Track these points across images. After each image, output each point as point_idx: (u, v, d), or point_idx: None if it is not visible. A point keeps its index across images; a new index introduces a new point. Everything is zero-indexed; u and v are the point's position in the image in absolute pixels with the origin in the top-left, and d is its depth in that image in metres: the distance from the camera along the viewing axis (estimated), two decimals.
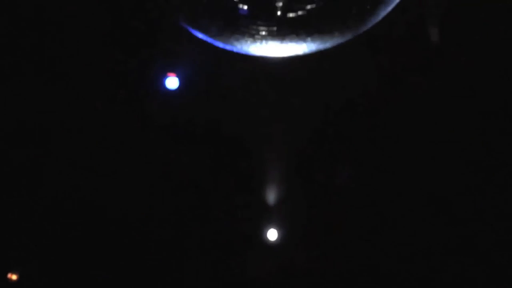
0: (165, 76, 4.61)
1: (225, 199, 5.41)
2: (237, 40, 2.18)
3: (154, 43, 4.37)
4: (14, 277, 5.10)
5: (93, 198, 5.15)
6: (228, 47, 2.28)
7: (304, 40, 2.19)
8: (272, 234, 5.52)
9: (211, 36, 2.26)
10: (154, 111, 4.85)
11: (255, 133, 4.90)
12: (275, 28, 2.07)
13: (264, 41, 2.15)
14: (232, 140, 4.97)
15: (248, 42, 2.17)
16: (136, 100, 4.83)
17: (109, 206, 5.20)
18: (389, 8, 2.22)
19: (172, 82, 4.59)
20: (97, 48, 4.50)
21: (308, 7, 2.01)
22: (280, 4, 1.95)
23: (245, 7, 1.99)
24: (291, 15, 2.01)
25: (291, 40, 2.15)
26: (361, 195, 5.16)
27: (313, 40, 2.21)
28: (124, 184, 5.16)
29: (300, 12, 2.01)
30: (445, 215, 4.96)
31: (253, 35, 2.11)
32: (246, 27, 2.07)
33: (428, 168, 4.86)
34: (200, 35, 2.32)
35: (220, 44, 2.30)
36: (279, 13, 1.97)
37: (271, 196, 5.54)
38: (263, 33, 2.09)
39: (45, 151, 4.95)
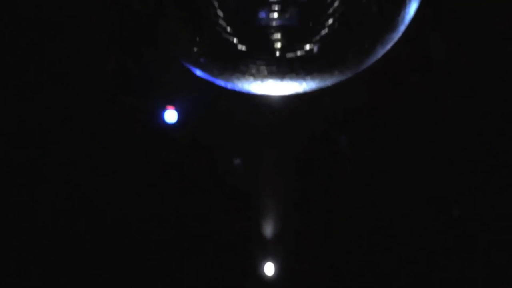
0: (163, 109, 4.61)
1: (221, 232, 5.38)
2: (237, 79, 2.19)
3: (153, 75, 4.39)
4: None
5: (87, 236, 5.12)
6: (228, 85, 2.29)
7: (304, 79, 2.20)
8: (269, 268, 5.48)
9: (210, 75, 2.27)
10: (152, 145, 4.84)
11: (254, 167, 4.89)
12: (274, 68, 2.08)
13: (264, 80, 2.16)
14: (230, 175, 4.96)
15: (248, 81, 2.18)
16: (134, 133, 4.82)
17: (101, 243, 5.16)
18: (388, 47, 2.23)
19: (170, 116, 4.60)
20: (96, 79, 4.52)
21: (307, 47, 2.01)
22: (279, 45, 1.96)
23: (243, 47, 2.01)
24: (290, 55, 2.02)
25: (291, 79, 2.16)
26: (359, 231, 5.13)
27: (312, 79, 2.22)
28: (120, 216, 5.14)
29: (299, 53, 2.02)
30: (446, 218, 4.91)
31: (253, 75, 2.12)
32: (246, 67, 2.08)
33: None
34: (199, 74, 2.33)
35: (220, 83, 2.31)
36: (277, 53, 1.97)
37: (269, 229, 5.52)
38: (263, 72, 2.10)
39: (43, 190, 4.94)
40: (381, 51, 2.23)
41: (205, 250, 5.32)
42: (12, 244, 5.01)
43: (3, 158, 4.71)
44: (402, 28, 2.19)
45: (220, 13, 1.96)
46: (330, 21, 1.97)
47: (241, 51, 2.03)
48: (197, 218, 5.38)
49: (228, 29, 1.98)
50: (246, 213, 5.25)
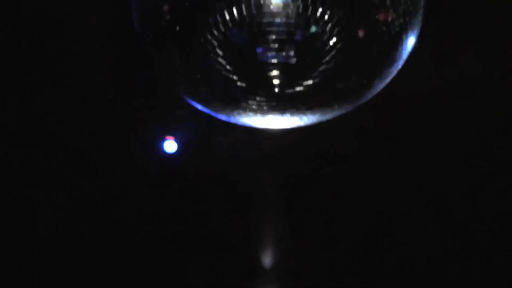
0: (163, 140, 4.62)
1: (219, 261, 5.37)
2: (237, 113, 2.21)
3: (153, 106, 4.40)
4: None
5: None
6: (227, 119, 2.31)
7: (304, 113, 2.22)
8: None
9: (210, 110, 2.28)
10: (151, 175, 4.84)
11: (254, 199, 4.90)
12: (274, 103, 2.09)
13: (264, 115, 2.17)
14: (229, 205, 4.95)
15: (248, 116, 2.19)
16: (134, 164, 4.82)
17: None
18: (387, 81, 2.25)
19: (170, 146, 4.61)
20: (96, 110, 4.53)
21: (306, 83, 2.03)
22: (278, 81, 1.97)
23: (243, 84, 2.02)
24: (289, 91, 2.04)
25: (291, 113, 2.18)
26: (359, 263, 5.13)
27: (313, 113, 2.24)
28: (118, 249, 5.13)
29: (298, 88, 2.04)
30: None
31: (253, 110, 2.14)
32: (246, 102, 2.10)
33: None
34: (199, 107, 2.35)
35: (219, 117, 2.33)
36: (277, 89, 1.99)
37: (267, 259, 5.50)
38: (263, 108, 2.11)
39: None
40: (380, 85, 2.26)
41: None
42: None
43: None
44: (400, 62, 2.21)
45: (220, 52, 1.98)
46: (328, 58, 1.99)
47: (241, 87, 2.05)
48: (195, 247, 5.36)
49: (228, 67, 2.00)
50: (245, 246, 5.24)
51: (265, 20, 1.89)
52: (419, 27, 2.17)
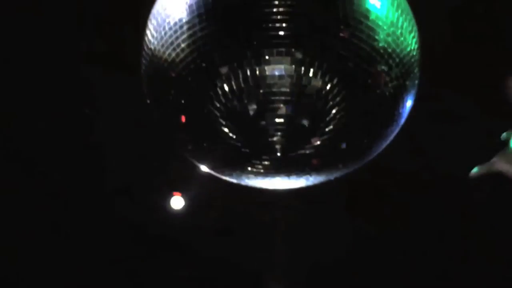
0: (170, 196, 4.63)
1: None
2: (243, 176, 2.23)
3: (159, 162, 4.42)
4: None
5: None
6: (233, 180, 2.33)
7: (310, 174, 2.23)
8: None
9: (217, 172, 2.31)
10: (158, 231, 4.83)
11: (259, 260, 4.86)
12: (280, 166, 2.12)
13: (270, 177, 2.19)
14: (236, 266, 4.92)
15: (254, 178, 2.22)
16: (140, 220, 4.82)
17: None
18: (390, 139, 2.28)
19: (177, 202, 4.61)
20: (103, 166, 4.55)
21: (310, 146, 2.06)
22: (282, 145, 2.01)
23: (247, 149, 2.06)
24: (294, 154, 2.07)
25: (297, 175, 2.20)
26: None
27: (319, 173, 2.25)
28: None
29: (302, 151, 2.07)
30: None
31: (259, 173, 2.16)
32: (252, 166, 2.13)
33: None
34: (205, 169, 2.38)
35: (225, 178, 2.35)
36: (281, 153, 2.02)
37: None
38: (269, 170, 2.14)
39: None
40: (383, 143, 2.28)
41: None
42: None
43: None
44: (401, 120, 2.24)
45: (223, 122, 2.03)
46: (329, 122, 2.03)
47: (245, 152, 2.08)
48: None
49: (231, 134, 2.04)
50: None
51: (266, 90, 1.93)
52: (416, 88, 2.21)
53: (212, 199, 4.42)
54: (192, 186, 4.44)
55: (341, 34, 1.92)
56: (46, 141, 4.26)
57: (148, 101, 2.23)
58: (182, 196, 4.60)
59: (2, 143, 4.25)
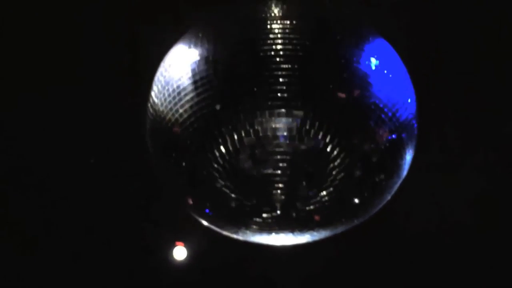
0: (173, 246, 4.60)
1: None
2: (245, 232, 2.22)
3: (163, 211, 4.41)
4: None
5: None
6: (238, 237, 2.32)
7: (314, 230, 2.22)
8: None
9: (219, 228, 2.31)
10: (161, 281, 4.79)
11: None
12: (283, 222, 2.11)
13: (273, 233, 2.18)
14: None
15: (257, 234, 2.20)
16: (143, 270, 4.78)
17: None
18: (392, 192, 2.27)
19: (180, 253, 4.58)
20: (108, 213, 4.54)
21: (313, 202, 2.06)
22: (278, 205, 2.01)
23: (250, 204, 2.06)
24: (297, 210, 2.06)
25: (301, 231, 2.18)
26: None
27: (324, 229, 2.24)
28: None
29: (306, 208, 2.06)
30: None
31: (262, 229, 2.15)
32: (253, 222, 2.12)
33: None
34: (208, 224, 2.37)
35: (229, 234, 2.34)
36: (278, 211, 2.02)
37: None
38: (272, 227, 2.13)
39: None
40: (387, 196, 2.27)
41: None
42: None
43: None
44: (403, 173, 2.24)
45: (228, 182, 2.03)
46: (331, 178, 2.03)
47: (248, 208, 2.08)
48: None
49: (235, 190, 2.04)
50: None
51: (265, 149, 1.95)
52: (415, 142, 2.22)
53: (215, 249, 4.38)
54: (195, 236, 4.41)
55: (339, 95, 1.95)
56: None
57: (153, 160, 2.25)
58: (185, 246, 4.57)
59: None
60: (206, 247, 4.43)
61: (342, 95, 1.93)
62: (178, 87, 2.03)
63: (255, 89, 1.93)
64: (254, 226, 2.14)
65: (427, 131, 2.44)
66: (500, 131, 3.72)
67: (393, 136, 2.07)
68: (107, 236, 4.64)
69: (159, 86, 2.12)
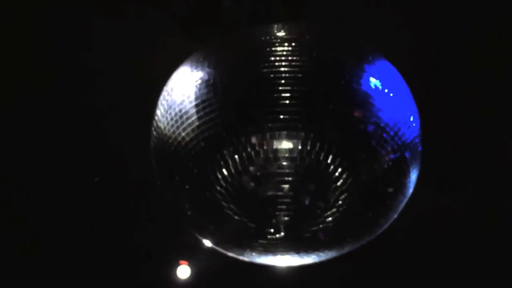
0: (177, 265, 4.59)
1: None
2: (250, 252, 2.21)
3: (167, 230, 4.40)
4: None
5: None
6: (244, 258, 2.31)
7: (320, 251, 2.21)
8: None
9: (223, 249, 2.30)
10: None
11: None
12: (289, 244, 2.10)
13: (279, 254, 2.17)
14: None
15: (262, 255, 2.20)
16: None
17: None
18: (398, 211, 2.26)
19: (183, 271, 4.56)
20: (112, 235, 4.53)
21: (319, 225, 2.05)
22: (282, 226, 2.00)
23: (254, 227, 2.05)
24: (303, 232, 2.06)
25: (307, 253, 2.17)
26: None
27: (330, 249, 2.23)
28: None
29: (312, 229, 2.06)
30: None
31: (267, 250, 2.14)
32: (258, 244, 2.12)
33: None
34: (211, 245, 2.37)
35: (234, 255, 2.33)
36: (282, 233, 2.01)
37: None
38: (279, 248, 2.12)
39: None
40: (393, 215, 2.26)
41: None
42: None
43: None
44: (408, 192, 2.23)
45: (231, 204, 2.03)
46: (336, 199, 2.03)
47: (252, 230, 2.08)
48: None
49: (238, 212, 2.04)
50: None
51: (269, 170, 1.95)
52: (420, 161, 2.22)
53: (219, 268, 4.37)
54: (199, 255, 4.40)
55: (355, 113, 1.95)
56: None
57: (158, 180, 2.25)
58: (189, 265, 4.56)
59: None
60: (210, 266, 4.41)
61: (358, 114, 1.93)
62: (180, 110, 2.03)
63: (256, 111, 1.93)
64: (259, 248, 2.13)
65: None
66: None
67: (396, 155, 2.07)
68: (110, 255, 4.63)
69: (162, 110, 2.12)
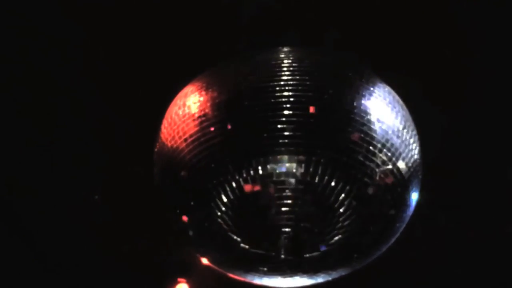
0: (175, 283, 4.57)
1: None
2: (254, 275, 2.22)
3: (166, 248, 4.39)
4: None
5: None
6: (249, 280, 2.32)
7: (323, 273, 2.22)
8: None
9: (223, 270, 2.31)
10: None
11: None
12: (289, 268, 2.12)
13: (282, 277, 2.18)
14: None
15: (265, 277, 2.20)
16: None
17: None
18: (401, 229, 2.28)
19: None
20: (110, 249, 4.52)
21: (321, 248, 2.07)
22: (284, 251, 2.01)
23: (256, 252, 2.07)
24: (306, 255, 2.07)
25: (309, 275, 2.18)
26: None
27: (333, 271, 2.24)
28: None
29: (314, 253, 2.07)
30: None
31: (270, 273, 2.15)
32: (259, 266, 2.13)
33: None
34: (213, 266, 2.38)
35: (237, 277, 2.34)
36: (282, 256, 2.03)
37: None
38: (279, 272, 2.13)
39: None
40: (395, 235, 2.28)
41: None
42: None
43: None
44: (409, 214, 2.25)
45: (237, 237, 2.05)
46: (337, 221, 2.05)
47: (254, 255, 2.09)
48: None
49: (240, 238, 2.05)
50: None
51: (271, 195, 1.97)
52: (420, 183, 2.23)
53: (219, 287, 4.36)
54: (198, 273, 4.39)
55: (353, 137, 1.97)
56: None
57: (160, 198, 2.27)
58: (188, 283, 4.55)
59: None
60: (209, 285, 4.40)
61: (356, 137, 1.95)
62: (184, 133, 2.05)
63: (258, 136, 1.95)
64: (262, 270, 2.14)
65: None
66: None
67: (397, 177, 2.09)
68: (108, 272, 4.62)
69: (165, 133, 2.14)
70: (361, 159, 1.99)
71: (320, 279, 2.24)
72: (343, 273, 2.29)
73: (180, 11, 3.13)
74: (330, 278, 2.27)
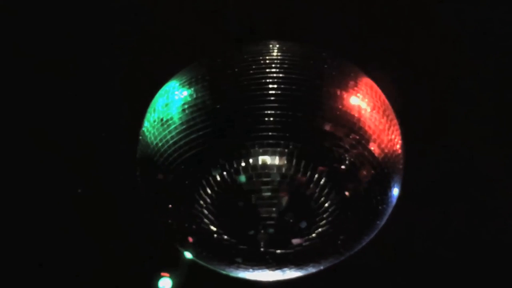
0: (158, 276, 4.57)
1: None
2: (233, 267, 2.22)
3: (148, 241, 4.39)
4: None
5: None
6: (224, 272, 2.32)
7: (301, 267, 2.22)
8: None
9: (207, 264, 2.31)
10: None
11: None
12: (272, 262, 2.12)
13: (261, 270, 2.18)
14: None
15: (245, 270, 2.21)
16: None
17: None
18: (383, 222, 2.29)
19: (165, 283, 4.55)
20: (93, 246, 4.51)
21: (302, 244, 2.07)
22: (263, 241, 2.02)
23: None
24: (287, 250, 2.07)
25: (288, 268, 2.19)
26: None
27: (311, 266, 2.25)
28: None
29: (295, 249, 2.07)
30: None
31: (250, 267, 2.16)
32: (242, 261, 2.13)
33: None
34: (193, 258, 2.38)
35: (217, 270, 2.34)
36: (262, 249, 2.03)
37: None
38: (261, 266, 2.13)
39: None
40: (378, 226, 2.28)
41: None
42: None
43: None
44: (391, 205, 2.26)
45: (215, 222, 2.04)
46: (318, 214, 2.05)
47: (235, 247, 2.09)
48: None
49: (225, 237, 2.06)
50: None
51: (252, 187, 1.97)
52: (401, 177, 2.24)
53: (201, 280, 4.37)
54: (181, 266, 4.39)
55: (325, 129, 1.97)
56: None
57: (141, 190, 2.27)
58: (170, 277, 4.54)
59: None
60: (191, 278, 4.40)
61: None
62: (168, 126, 2.05)
63: (240, 128, 1.95)
64: (242, 263, 2.14)
65: None
66: None
67: (377, 171, 2.10)
68: (91, 267, 4.61)
69: (149, 127, 2.15)
70: (327, 145, 1.99)
71: (308, 271, 2.25)
72: (331, 263, 2.29)
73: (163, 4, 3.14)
74: (316, 270, 2.28)
